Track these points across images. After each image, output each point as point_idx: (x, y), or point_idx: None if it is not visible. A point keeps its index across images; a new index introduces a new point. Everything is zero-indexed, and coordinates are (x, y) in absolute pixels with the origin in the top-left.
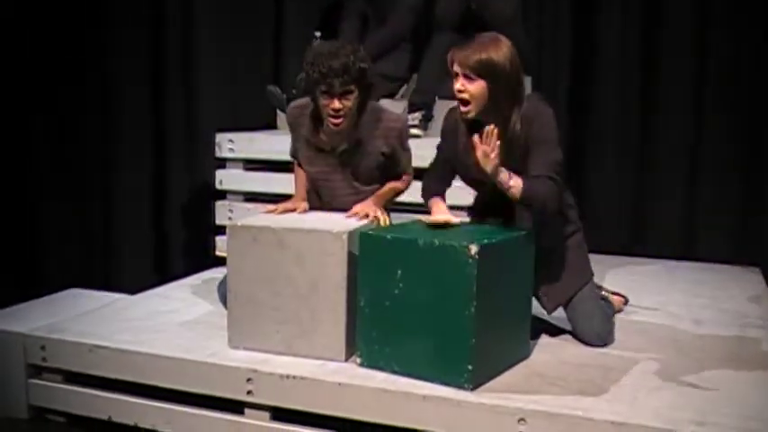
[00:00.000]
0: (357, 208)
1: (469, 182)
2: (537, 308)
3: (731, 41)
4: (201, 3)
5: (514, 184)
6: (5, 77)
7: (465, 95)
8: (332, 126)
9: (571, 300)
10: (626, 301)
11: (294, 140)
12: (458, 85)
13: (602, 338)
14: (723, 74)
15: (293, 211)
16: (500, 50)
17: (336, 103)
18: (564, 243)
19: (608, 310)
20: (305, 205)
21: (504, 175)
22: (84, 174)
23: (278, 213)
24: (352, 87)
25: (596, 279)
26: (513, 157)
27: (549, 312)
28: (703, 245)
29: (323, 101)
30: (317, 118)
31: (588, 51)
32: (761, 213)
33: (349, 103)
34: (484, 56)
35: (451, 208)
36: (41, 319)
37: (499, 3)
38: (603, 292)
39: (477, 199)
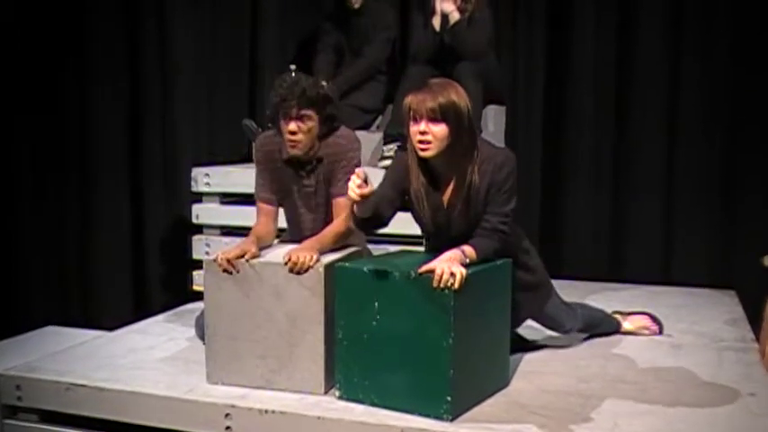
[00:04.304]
0: (292, 253)
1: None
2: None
3: (705, 70)
4: (178, 37)
5: (470, 256)
6: None
7: (428, 137)
8: (289, 148)
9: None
10: (658, 327)
11: (259, 174)
12: (421, 126)
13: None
14: (696, 102)
15: (242, 256)
16: (459, 94)
17: (292, 125)
18: (517, 284)
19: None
20: (255, 250)
21: (460, 260)
22: (61, 209)
23: (230, 257)
24: (310, 113)
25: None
26: (473, 204)
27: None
28: (681, 270)
29: (282, 125)
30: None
31: (562, 79)
32: (736, 237)
33: (305, 126)
34: (446, 99)
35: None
36: (17, 357)
37: (472, 34)
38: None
39: (428, 244)
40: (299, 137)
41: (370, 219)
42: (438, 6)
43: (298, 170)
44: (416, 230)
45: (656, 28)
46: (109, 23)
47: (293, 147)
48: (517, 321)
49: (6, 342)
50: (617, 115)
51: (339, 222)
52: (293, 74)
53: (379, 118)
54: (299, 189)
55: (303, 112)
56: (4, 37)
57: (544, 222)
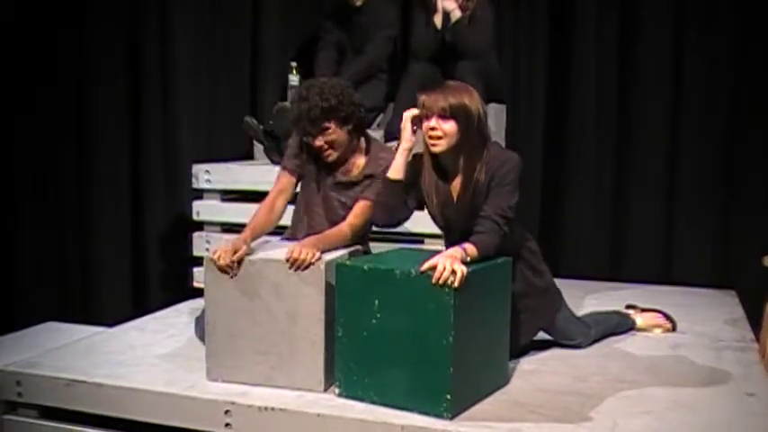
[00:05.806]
0: (293, 249)
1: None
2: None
3: (707, 70)
4: (180, 34)
5: (471, 254)
6: None
7: (438, 133)
8: (325, 160)
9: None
10: (672, 325)
11: (294, 140)
12: (432, 123)
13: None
14: (699, 101)
15: (235, 254)
16: (472, 97)
17: (317, 142)
18: (529, 288)
19: (583, 327)
20: (246, 248)
21: (461, 257)
22: (61, 204)
23: (224, 262)
24: (325, 125)
25: (579, 304)
26: (477, 203)
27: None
28: (682, 269)
29: (310, 141)
30: None
31: (564, 77)
32: (736, 237)
33: (330, 137)
34: (458, 100)
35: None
36: (17, 353)
37: (473, 33)
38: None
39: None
40: (327, 147)
41: (394, 197)
42: (440, 4)
43: (335, 175)
44: (418, 229)
45: (658, 26)
46: (109, 23)
47: (329, 156)
48: (530, 332)
49: (6, 338)
50: (618, 114)
51: (345, 225)
52: (304, 83)
53: (380, 116)
54: (324, 193)
55: (321, 126)
56: (4, 37)
57: (545, 221)
